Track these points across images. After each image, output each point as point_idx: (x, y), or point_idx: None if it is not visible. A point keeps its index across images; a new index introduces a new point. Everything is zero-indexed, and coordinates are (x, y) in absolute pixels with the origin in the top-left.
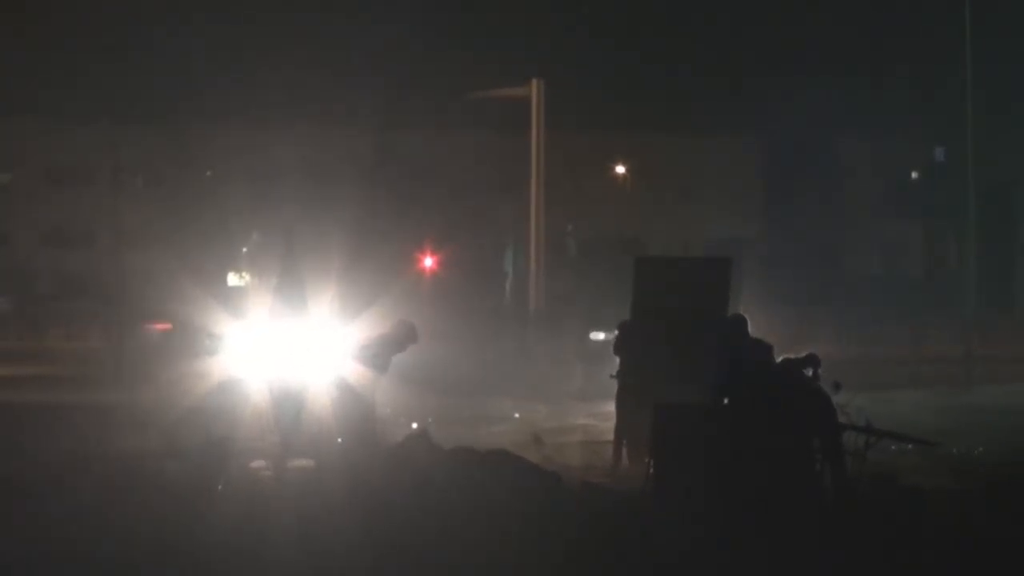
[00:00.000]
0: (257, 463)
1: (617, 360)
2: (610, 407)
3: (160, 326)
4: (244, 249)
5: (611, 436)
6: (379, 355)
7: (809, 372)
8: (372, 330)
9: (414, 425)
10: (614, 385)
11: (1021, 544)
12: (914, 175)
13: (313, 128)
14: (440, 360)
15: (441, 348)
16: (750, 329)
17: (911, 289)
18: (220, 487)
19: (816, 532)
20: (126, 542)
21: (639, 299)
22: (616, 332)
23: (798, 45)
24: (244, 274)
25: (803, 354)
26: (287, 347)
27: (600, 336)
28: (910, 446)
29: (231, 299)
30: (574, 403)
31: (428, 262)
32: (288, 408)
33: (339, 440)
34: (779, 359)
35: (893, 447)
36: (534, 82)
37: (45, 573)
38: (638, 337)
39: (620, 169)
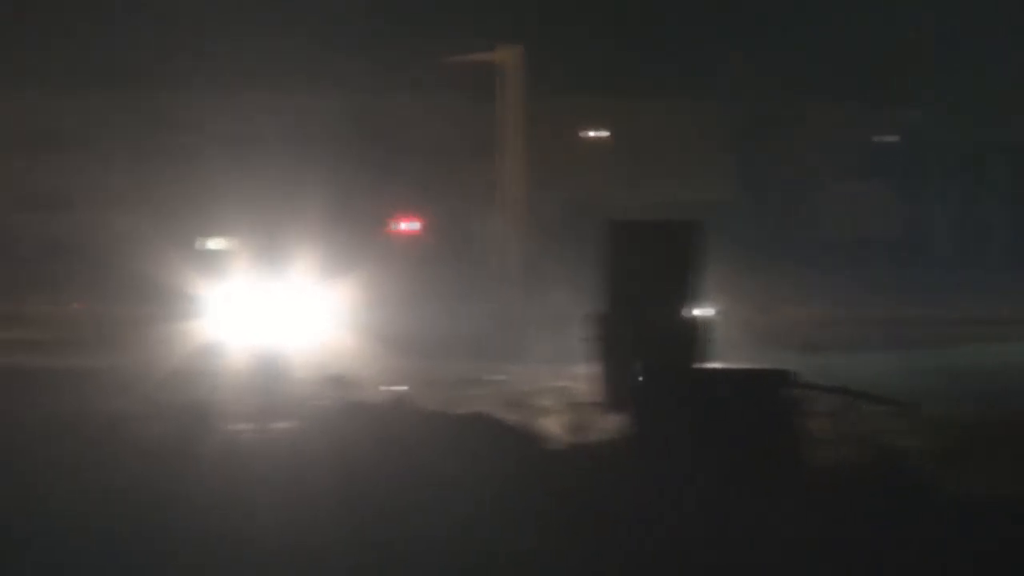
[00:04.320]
0: (239, 425)
1: (590, 323)
2: (587, 370)
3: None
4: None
5: (590, 398)
6: None
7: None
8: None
9: (393, 388)
10: (590, 348)
11: (996, 504)
12: (889, 137)
13: (293, 93)
14: (418, 323)
15: (419, 311)
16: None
17: (888, 251)
18: (202, 449)
19: (797, 489)
20: (107, 503)
21: (609, 264)
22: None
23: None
24: (224, 238)
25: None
26: (267, 310)
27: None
28: (885, 408)
29: (211, 262)
30: (552, 366)
31: (406, 225)
32: (268, 370)
33: (318, 403)
34: (743, 368)
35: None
36: (512, 48)
37: (26, 534)
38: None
39: (596, 133)
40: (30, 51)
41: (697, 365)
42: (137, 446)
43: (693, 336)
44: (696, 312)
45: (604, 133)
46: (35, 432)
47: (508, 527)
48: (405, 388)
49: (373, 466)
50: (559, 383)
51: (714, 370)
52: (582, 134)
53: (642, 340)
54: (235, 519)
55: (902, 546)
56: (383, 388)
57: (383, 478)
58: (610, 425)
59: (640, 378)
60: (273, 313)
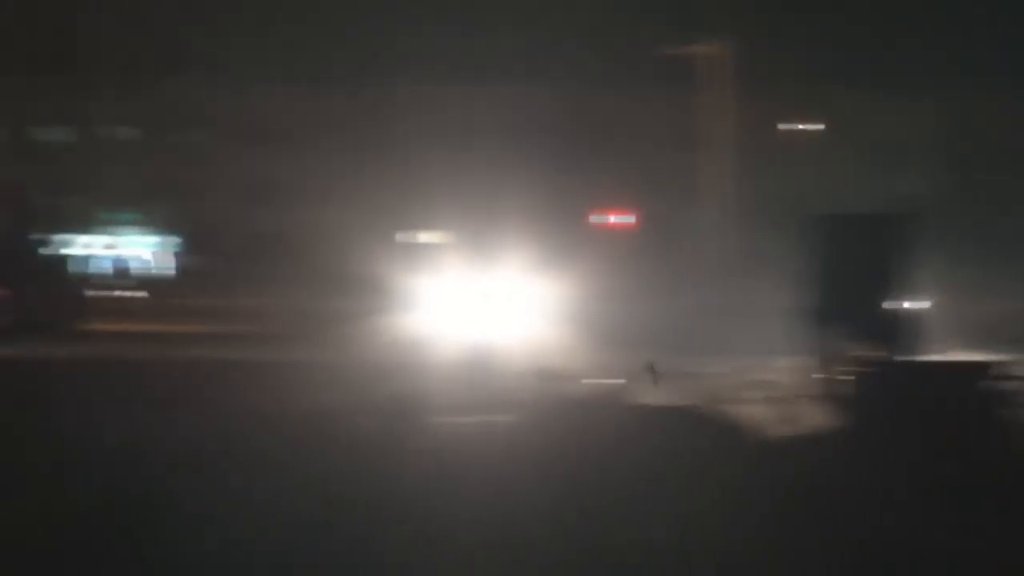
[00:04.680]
0: (447, 418)
1: (807, 317)
2: (799, 362)
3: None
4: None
5: (801, 390)
6: None
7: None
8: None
9: (605, 380)
10: (801, 340)
11: None
12: None
13: (506, 87)
14: (627, 316)
15: (628, 304)
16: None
17: None
18: (410, 443)
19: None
20: (315, 498)
21: (819, 256)
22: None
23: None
24: (434, 231)
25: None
26: (478, 303)
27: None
28: None
29: (421, 256)
30: (762, 359)
31: (615, 219)
32: (479, 363)
33: (530, 395)
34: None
35: None
36: (721, 40)
37: (233, 529)
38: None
39: (805, 125)
40: (244, 47)
41: (909, 357)
42: (344, 440)
43: (905, 328)
44: (907, 304)
45: (813, 125)
46: (243, 426)
47: (728, 521)
48: (616, 381)
49: (584, 460)
50: (770, 376)
51: (928, 362)
52: (791, 126)
53: (853, 332)
54: (445, 514)
55: None
56: (593, 381)
57: (595, 472)
58: (822, 417)
59: (852, 371)
60: (482, 306)
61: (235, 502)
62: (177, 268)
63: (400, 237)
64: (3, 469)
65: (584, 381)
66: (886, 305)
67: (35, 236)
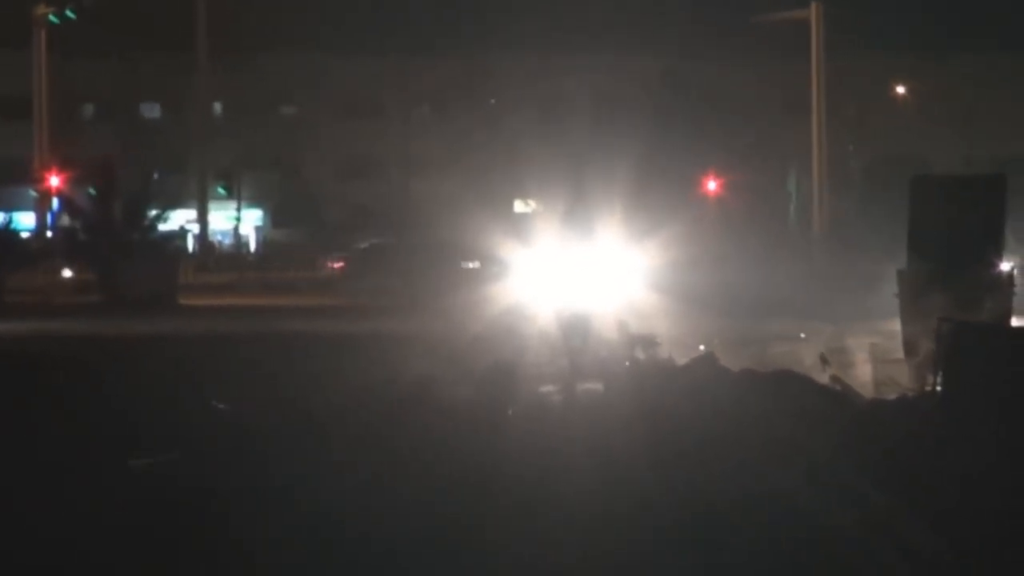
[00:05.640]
0: (546, 387)
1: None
2: (897, 326)
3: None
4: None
5: (899, 355)
6: None
7: None
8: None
9: (701, 347)
10: (898, 304)
11: None
12: None
13: (601, 56)
14: (725, 282)
15: (725, 270)
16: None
17: None
18: (509, 411)
19: None
20: (415, 469)
21: (916, 219)
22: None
23: None
24: (531, 201)
25: None
26: (574, 272)
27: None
28: None
29: (518, 226)
30: (860, 323)
31: (712, 187)
32: (576, 331)
33: (626, 363)
34: None
35: None
36: (813, 5)
37: (337, 499)
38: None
39: (902, 90)
40: (340, 23)
41: (1007, 321)
42: (443, 409)
43: (1001, 292)
44: (1004, 267)
45: (911, 89)
46: (343, 398)
47: (823, 490)
48: (712, 348)
49: (683, 429)
50: (867, 340)
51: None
52: (889, 90)
53: (950, 296)
54: (544, 483)
55: None
56: (690, 347)
57: (693, 442)
58: (919, 382)
59: (949, 335)
60: (580, 275)
61: (335, 475)
62: (272, 242)
63: (498, 207)
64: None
65: (686, 347)
66: (987, 268)
67: (128, 213)
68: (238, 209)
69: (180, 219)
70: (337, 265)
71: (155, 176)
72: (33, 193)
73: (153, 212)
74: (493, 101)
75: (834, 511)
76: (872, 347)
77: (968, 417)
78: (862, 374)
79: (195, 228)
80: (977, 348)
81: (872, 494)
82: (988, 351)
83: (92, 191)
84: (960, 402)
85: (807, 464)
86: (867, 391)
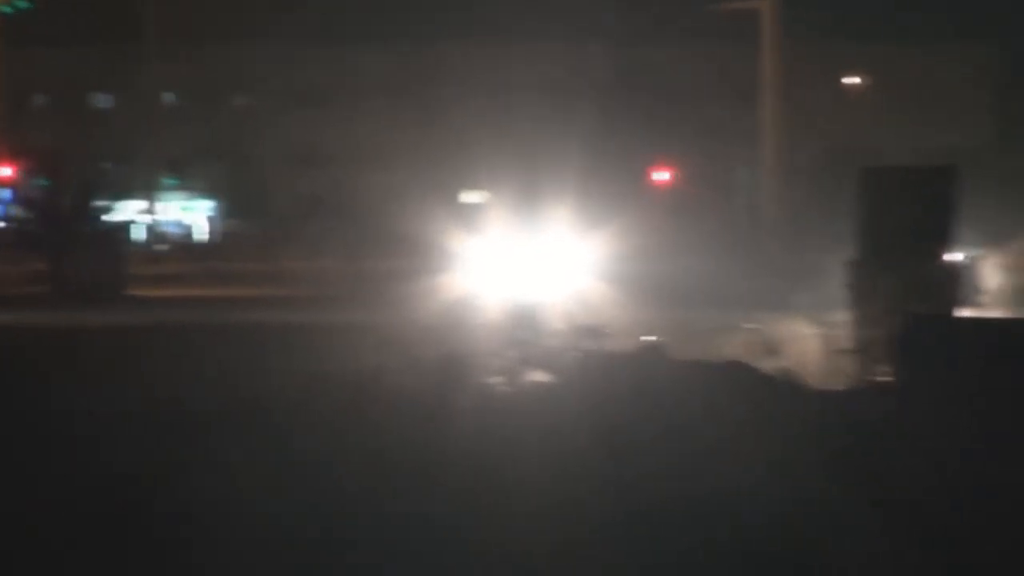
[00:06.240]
0: (495, 378)
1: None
2: (846, 317)
3: None
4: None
5: (848, 345)
6: None
7: None
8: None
9: (650, 338)
10: (847, 295)
11: None
12: None
13: (551, 44)
14: (674, 273)
15: (675, 260)
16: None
17: None
18: (458, 402)
19: None
20: (364, 456)
21: (866, 210)
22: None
23: None
24: (480, 191)
25: None
26: (523, 263)
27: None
28: None
29: (468, 216)
30: (808, 314)
31: (663, 176)
32: (525, 322)
33: (575, 354)
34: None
35: None
36: None
37: (286, 486)
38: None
39: (853, 80)
40: (290, 9)
41: (955, 312)
42: (392, 400)
43: (951, 282)
44: (954, 258)
45: (861, 79)
46: (296, 388)
47: (774, 475)
48: (660, 338)
49: (631, 419)
50: (815, 331)
51: (974, 318)
52: (840, 80)
53: (900, 287)
54: (491, 471)
55: None
56: (638, 338)
57: (641, 431)
58: (868, 372)
59: (903, 326)
60: (528, 265)
61: (284, 462)
62: (221, 232)
63: (445, 197)
64: (41, 435)
65: (634, 338)
66: (936, 258)
67: (78, 203)
68: (187, 200)
69: (131, 210)
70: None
71: (106, 167)
72: None
73: (103, 203)
74: (443, 91)
75: (782, 503)
76: (821, 338)
77: (923, 407)
78: (811, 364)
79: (146, 218)
80: (930, 339)
81: (825, 486)
82: (942, 342)
83: (42, 182)
84: (915, 392)
85: (754, 456)
86: (816, 381)
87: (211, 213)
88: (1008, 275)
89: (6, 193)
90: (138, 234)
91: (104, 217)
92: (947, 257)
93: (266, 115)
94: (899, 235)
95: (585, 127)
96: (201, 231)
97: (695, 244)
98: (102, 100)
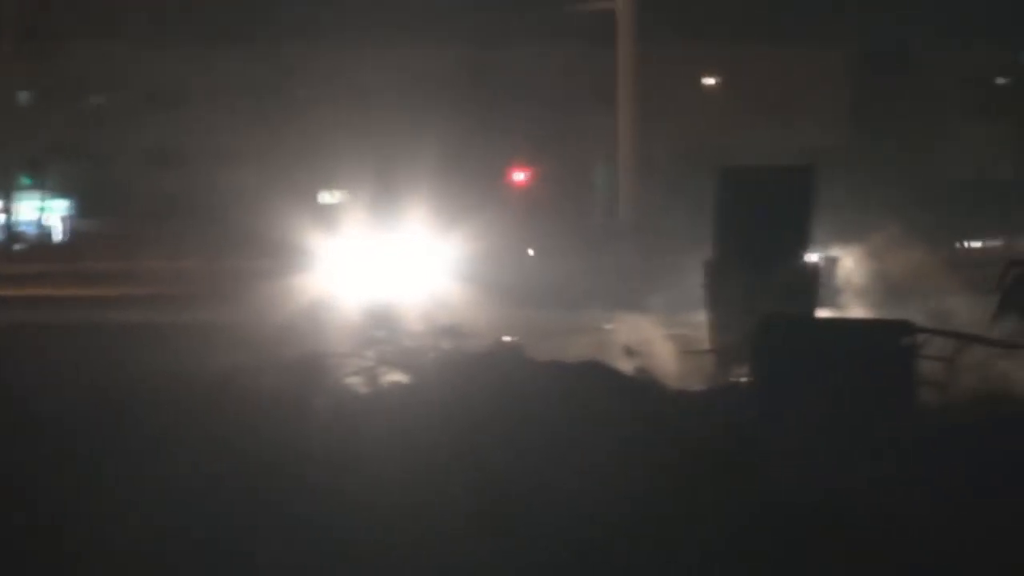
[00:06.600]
0: (352, 377)
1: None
2: (703, 317)
3: None
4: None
5: (705, 346)
6: None
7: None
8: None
9: (507, 338)
10: (705, 296)
11: None
12: (1000, 80)
13: (407, 46)
14: (531, 273)
15: (532, 262)
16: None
17: (1001, 194)
18: (315, 402)
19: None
20: (220, 456)
21: (723, 211)
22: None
23: None
24: (338, 191)
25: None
26: (380, 263)
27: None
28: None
29: (325, 217)
30: (665, 315)
31: (519, 177)
32: (382, 322)
33: (432, 354)
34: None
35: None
36: None
37: (140, 486)
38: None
39: (710, 80)
40: (148, 7)
41: (813, 313)
42: (249, 400)
43: (808, 283)
44: (811, 259)
45: (720, 80)
46: (152, 387)
47: (627, 478)
48: (519, 338)
49: (488, 419)
50: (673, 331)
51: (831, 319)
52: (699, 81)
53: (757, 288)
54: (348, 471)
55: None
56: (497, 338)
57: (499, 431)
58: (725, 373)
59: (756, 326)
60: (387, 265)
61: (138, 463)
62: (79, 232)
63: (303, 197)
64: None
65: (492, 338)
66: (793, 259)
67: None
68: (44, 199)
69: None
70: None
71: None
72: None
73: None
74: (300, 92)
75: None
76: (678, 338)
77: (777, 407)
78: (668, 365)
79: (1, 218)
80: (786, 339)
81: (679, 484)
82: (796, 343)
83: None
84: (769, 392)
85: (605, 457)
86: (673, 382)
87: (68, 213)
88: (865, 275)
89: None
90: None
91: None
92: (805, 257)
93: (124, 114)
94: (756, 235)
95: (443, 128)
96: (58, 231)
97: (552, 244)
98: None
